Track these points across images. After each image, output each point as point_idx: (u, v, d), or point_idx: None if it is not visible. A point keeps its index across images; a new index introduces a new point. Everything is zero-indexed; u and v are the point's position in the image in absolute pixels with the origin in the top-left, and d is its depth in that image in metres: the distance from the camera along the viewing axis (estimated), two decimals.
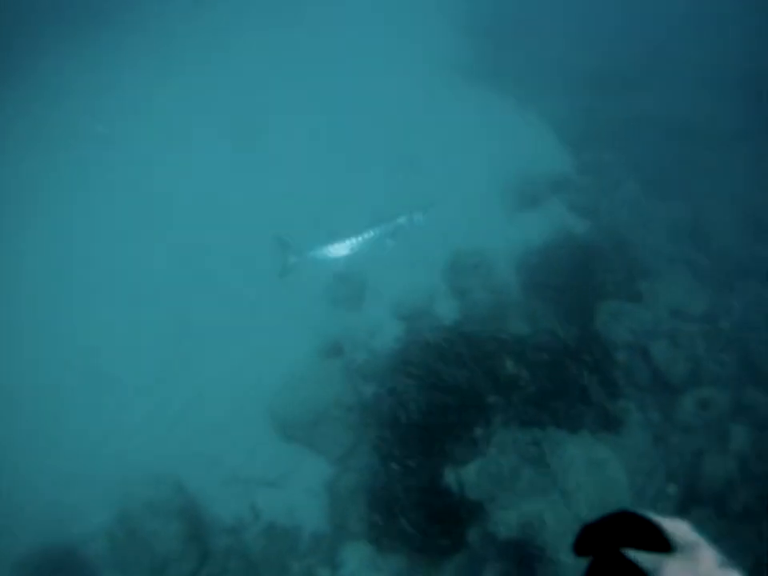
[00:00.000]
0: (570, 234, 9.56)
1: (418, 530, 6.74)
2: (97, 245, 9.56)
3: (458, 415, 7.25)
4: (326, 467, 7.58)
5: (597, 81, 12.69)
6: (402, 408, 7.40)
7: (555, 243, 9.40)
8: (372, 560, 6.94)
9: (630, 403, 7.33)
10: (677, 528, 0.99)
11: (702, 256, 9.32)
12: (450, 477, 6.93)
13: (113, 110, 12.10)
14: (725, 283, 8.88)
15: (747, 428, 7.44)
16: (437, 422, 7.25)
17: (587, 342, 7.53)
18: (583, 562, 1.03)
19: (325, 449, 7.63)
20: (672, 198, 10.30)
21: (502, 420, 7.11)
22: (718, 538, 0.99)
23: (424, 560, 6.78)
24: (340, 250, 6.47)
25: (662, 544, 0.97)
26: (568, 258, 8.99)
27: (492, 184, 10.87)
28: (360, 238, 6.51)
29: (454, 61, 13.85)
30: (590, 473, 6.54)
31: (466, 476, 6.84)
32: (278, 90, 12.60)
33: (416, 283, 9.15)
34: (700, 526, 1.01)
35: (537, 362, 7.43)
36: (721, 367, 7.80)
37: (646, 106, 12.05)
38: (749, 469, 7.26)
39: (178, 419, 7.80)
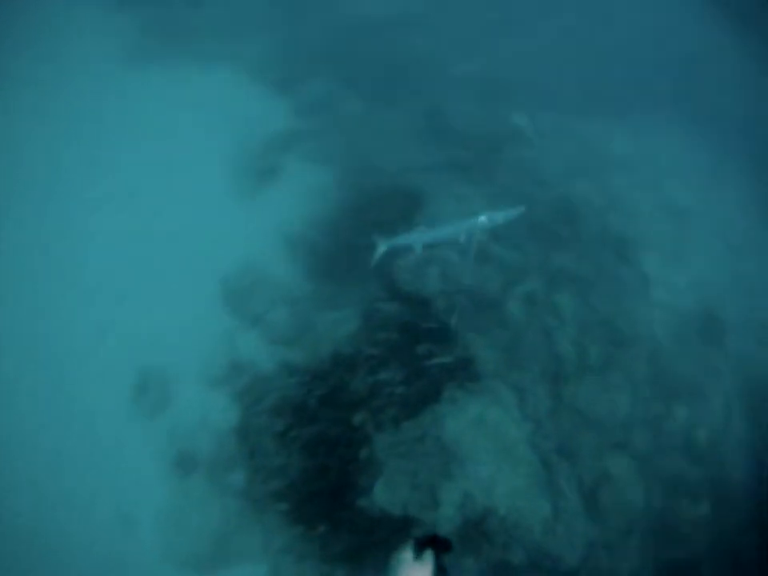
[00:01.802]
0: (327, 194, 9.21)
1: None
2: None
3: (335, 450, 7.05)
4: None
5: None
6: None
7: (319, 212, 9.05)
8: None
9: (473, 340, 7.62)
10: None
11: (459, 149, 9.58)
12: (365, 504, 6.82)
13: None
14: (488, 174, 9.32)
15: (569, 291, 8.24)
16: (321, 466, 7.03)
17: (409, 307, 7.53)
18: None
19: None
20: (401, 102, 10.27)
21: (377, 430, 7.03)
22: None
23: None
24: (419, 240, 7.06)
25: None
26: (342, 220, 8.73)
27: (220, 176, 9.86)
28: (438, 232, 7.11)
29: (113, 41, 11.75)
30: (477, 430, 6.82)
31: (378, 497, 6.79)
32: None
33: (207, 335, 8.28)
34: None
35: (375, 356, 7.33)
36: (518, 254, 8.38)
37: (341, 11, 11.56)
38: (588, 325, 8.17)
39: None
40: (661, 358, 8.61)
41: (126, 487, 7.33)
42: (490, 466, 6.70)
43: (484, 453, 6.74)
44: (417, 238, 7.08)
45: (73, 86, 10.95)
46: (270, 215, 9.32)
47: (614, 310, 8.49)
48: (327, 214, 9.08)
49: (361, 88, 10.82)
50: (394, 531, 6.58)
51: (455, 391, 7.16)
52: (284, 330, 8.22)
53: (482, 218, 7.13)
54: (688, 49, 14.18)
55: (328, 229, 8.82)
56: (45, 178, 9.51)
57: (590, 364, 8.03)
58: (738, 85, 14.45)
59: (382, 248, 7.10)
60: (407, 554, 2.10)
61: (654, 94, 13.30)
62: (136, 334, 8.24)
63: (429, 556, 2.08)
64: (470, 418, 6.87)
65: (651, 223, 10.19)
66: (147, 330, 8.24)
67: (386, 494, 6.84)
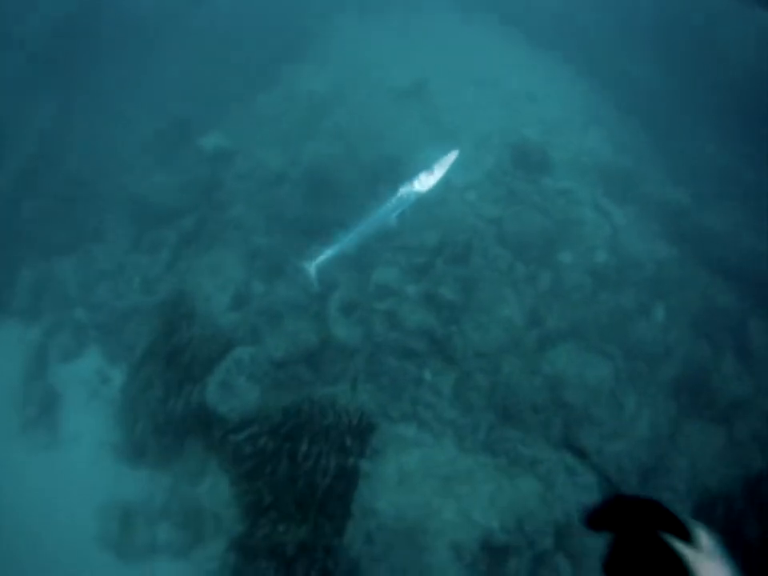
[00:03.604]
0: (107, 374, 7.82)
1: None
2: None
3: None
4: None
5: None
6: None
7: (115, 397, 7.52)
8: None
9: (335, 395, 6.34)
10: (699, 529, 1.06)
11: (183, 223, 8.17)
12: None
13: None
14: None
15: (377, 262, 7.03)
16: None
17: (259, 425, 6.18)
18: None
19: None
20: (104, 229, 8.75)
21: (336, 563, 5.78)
22: None
23: None
24: (350, 243, 5.80)
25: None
26: (139, 390, 7.25)
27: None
28: (364, 227, 5.74)
29: None
30: (408, 487, 5.62)
31: None
32: None
33: None
34: None
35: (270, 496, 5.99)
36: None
37: None
38: (420, 272, 6.99)
39: None
40: (508, 232, 7.56)
41: None
42: (450, 505, 5.55)
43: (434, 500, 5.57)
44: (347, 242, 5.79)
45: None
46: (83, 444, 7.80)
47: (430, 237, 7.33)
48: (126, 392, 7.60)
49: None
50: None
51: (362, 463, 5.92)
52: (180, 535, 6.89)
53: (412, 187, 5.60)
54: None
55: (134, 408, 7.34)
56: None
57: (454, 305, 6.88)
58: None
59: (311, 270, 5.84)
60: None
61: None
62: None
63: None
64: (393, 481, 5.67)
65: (399, 123, 9.01)
66: None
67: None
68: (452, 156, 5.57)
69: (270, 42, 11.13)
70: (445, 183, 8.13)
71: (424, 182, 5.57)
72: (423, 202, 5.67)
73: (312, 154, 8.72)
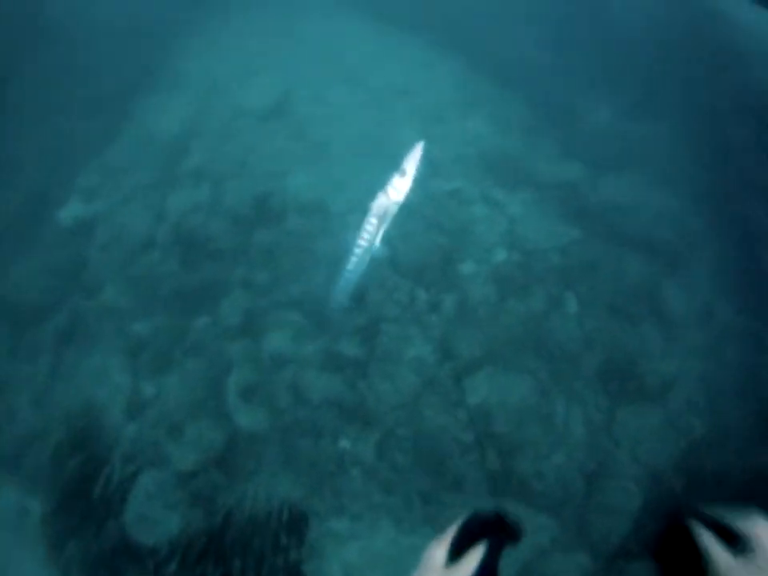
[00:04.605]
0: None
1: None
2: None
3: None
4: None
5: None
6: None
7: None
8: None
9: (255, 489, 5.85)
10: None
11: None
12: None
13: None
14: None
15: (275, 331, 6.35)
16: None
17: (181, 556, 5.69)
18: None
19: None
20: None
21: None
22: None
23: None
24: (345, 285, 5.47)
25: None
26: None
27: None
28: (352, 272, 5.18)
29: None
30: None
31: None
32: None
33: None
34: None
35: None
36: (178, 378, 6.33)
37: None
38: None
39: None
40: (403, 256, 6.95)
41: None
42: None
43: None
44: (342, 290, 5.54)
45: None
46: None
47: (316, 280, 6.69)
48: (48, 534, 6.95)
49: None
50: None
51: (304, 565, 5.53)
52: None
53: (389, 199, 4.59)
54: None
55: (62, 549, 6.73)
56: None
57: (357, 359, 6.34)
58: None
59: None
60: (439, 553, 1.28)
61: None
62: None
63: (474, 555, 1.23)
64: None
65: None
66: None
67: None
68: (418, 150, 4.53)
69: (116, 74, 9.76)
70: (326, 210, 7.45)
71: (399, 188, 4.56)
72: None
73: (177, 206, 7.81)
